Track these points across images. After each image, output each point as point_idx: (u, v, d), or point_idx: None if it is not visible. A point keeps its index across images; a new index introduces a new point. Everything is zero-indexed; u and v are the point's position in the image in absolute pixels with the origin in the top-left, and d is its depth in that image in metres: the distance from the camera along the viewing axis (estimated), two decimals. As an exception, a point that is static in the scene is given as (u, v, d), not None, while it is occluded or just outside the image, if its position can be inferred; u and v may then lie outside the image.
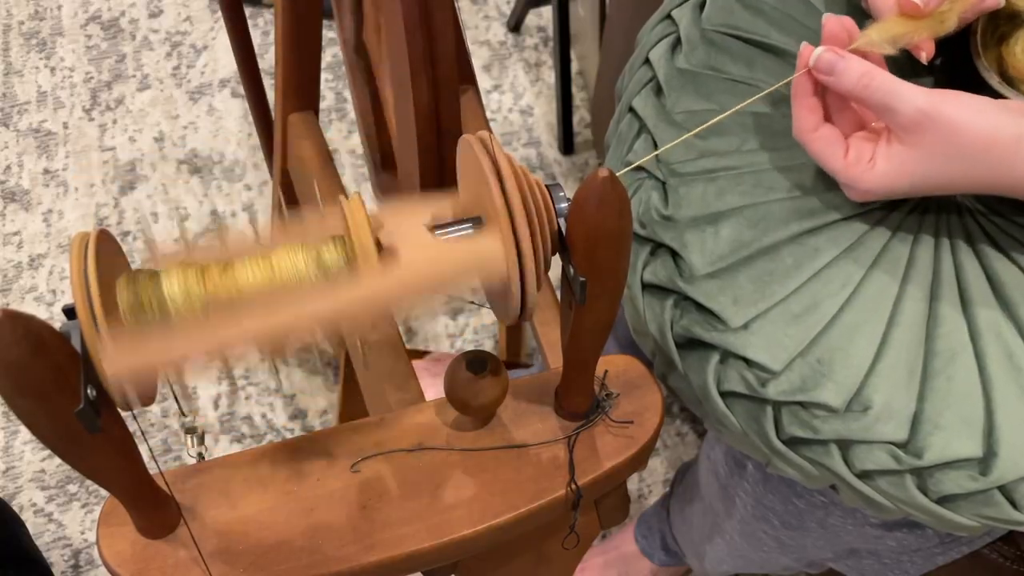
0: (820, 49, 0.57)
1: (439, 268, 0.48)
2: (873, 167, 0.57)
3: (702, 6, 0.72)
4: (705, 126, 0.61)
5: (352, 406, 1.19)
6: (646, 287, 0.65)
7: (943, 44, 0.61)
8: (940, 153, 0.55)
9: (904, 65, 0.69)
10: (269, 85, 1.11)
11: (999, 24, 0.63)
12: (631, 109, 0.71)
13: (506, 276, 0.48)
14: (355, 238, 0.47)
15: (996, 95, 0.60)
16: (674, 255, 0.64)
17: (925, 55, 0.60)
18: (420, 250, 0.48)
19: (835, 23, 0.58)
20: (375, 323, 0.49)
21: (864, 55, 0.59)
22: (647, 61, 0.72)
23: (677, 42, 0.71)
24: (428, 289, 0.48)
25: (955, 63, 0.65)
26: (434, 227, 0.50)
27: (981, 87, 0.61)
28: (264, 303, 0.47)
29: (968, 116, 0.54)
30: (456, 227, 0.50)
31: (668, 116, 0.68)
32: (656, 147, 0.68)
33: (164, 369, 0.46)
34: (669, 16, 0.73)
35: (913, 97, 0.55)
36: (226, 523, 0.56)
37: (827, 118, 0.59)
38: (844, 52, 0.57)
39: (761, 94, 0.62)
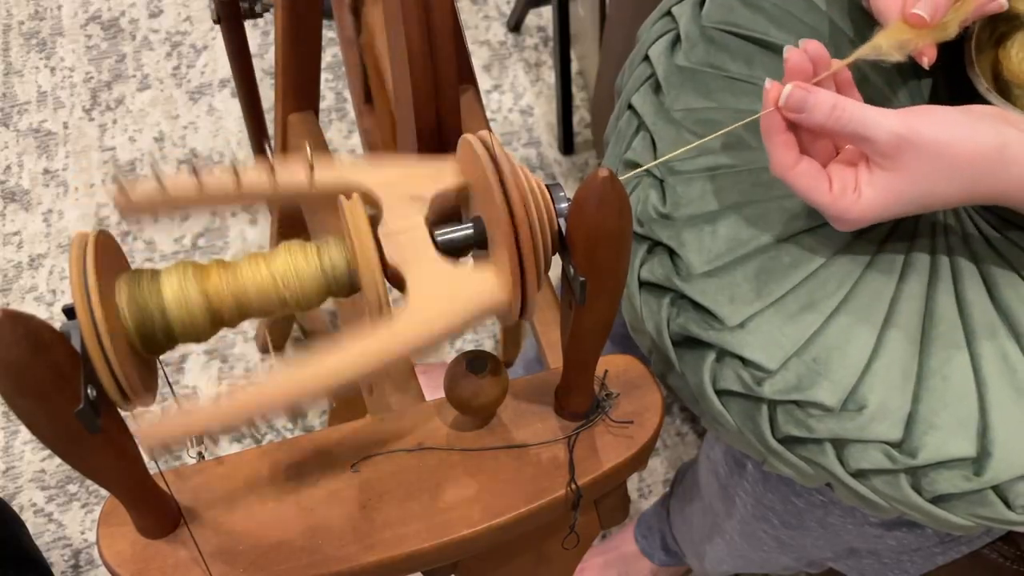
0: (788, 87, 0.56)
1: (449, 320, 0.49)
2: (859, 197, 0.56)
3: (702, 3, 0.72)
4: (713, 136, 0.61)
5: (345, 409, 1.19)
6: (643, 285, 0.65)
7: (942, 47, 0.61)
8: (923, 173, 0.55)
9: (905, 69, 0.69)
10: (269, 85, 1.11)
11: (998, 25, 0.63)
12: (630, 106, 0.71)
13: (511, 309, 0.48)
14: (356, 244, 0.47)
15: (987, 103, 0.60)
16: (671, 253, 0.64)
17: (927, 60, 0.60)
18: (429, 296, 0.48)
19: (797, 56, 0.57)
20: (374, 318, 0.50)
21: (834, 79, 0.58)
22: (646, 58, 0.72)
23: (677, 39, 0.71)
24: (437, 341, 0.49)
25: (954, 65, 0.66)
26: (434, 228, 0.50)
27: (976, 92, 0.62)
28: (263, 304, 0.47)
29: (946, 132, 0.54)
30: (456, 229, 0.50)
31: (667, 113, 0.68)
32: (654, 144, 0.68)
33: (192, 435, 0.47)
34: (669, 13, 0.73)
35: (886, 123, 0.54)
36: (226, 523, 0.56)
37: (802, 150, 0.58)
38: (811, 87, 0.56)
39: (726, 130, 0.61)
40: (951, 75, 0.67)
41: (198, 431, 0.46)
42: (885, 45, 0.58)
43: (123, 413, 0.48)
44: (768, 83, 0.57)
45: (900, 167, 0.55)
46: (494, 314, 0.50)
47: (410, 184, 0.50)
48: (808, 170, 0.57)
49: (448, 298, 0.49)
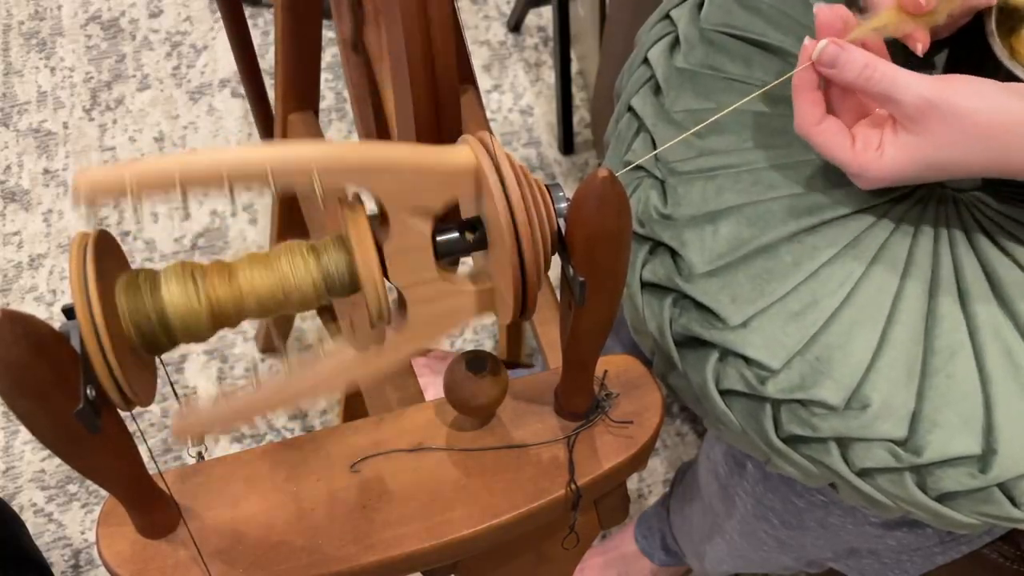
0: (823, 42, 0.57)
1: (447, 325, 0.50)
2: (881, 155, 0.57)
3: (700, 6, 0.72)
4: (703, 125, 0.61)
5: (355, 406, 1.19)
6: (645, 286, 0.65)
7: (951, 35, 0.61)
8: (947, 139, 0.55)
9: (910, 59, 0.69)
10: (269, 85, 1.11)
11: (1006, 18, 0.63)
12: (630, 108, 0.71)
13: (511, 315, 0.49)
14: (356, 246, 0.47)
15: (1009, 76, 0.60)
16: (673, 253, 0.64)
17: (921, 46, 0.60)
18: (429, 306, 0.49)
19: (828, 13, 0.58)
20: (375, 320, 0.50)
21: (864, 44, 0.59)
22: (646, 60, 0.72)
23: (676, 41, 0.71)
24: (434, 342, 0.50)
25: (961, 53, 0.66)
26: (434, 228, 0.50)
27: (992, 73, 0.61)
28: (263, 304, 0.47)
29: (973, 101, 0.54)
30: (455, 228, 0.50)
31: (667, 115, 0.68)
32: (655, 146, 0.68)
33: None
34: (668, 16, 0.73)
35: (916, 85, 0.55)
36: (226, 523, 0.56)
37: (829, 110, 0.59)
38: (845, 43, 0.57)
39: (763, 89, 0.62)
40: (958, 65, 0.67)
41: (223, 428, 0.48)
42: (875, 28, 0.58)
43: (122, 413, 0.48)
44: (806, 40, 0.58)
45: (925, 131, 0.55)
46: (494, 312, 0.50)
47: (419, 194, 0.50)
48: (831, 127, 0.58)
49: (444, 316, 0.50)
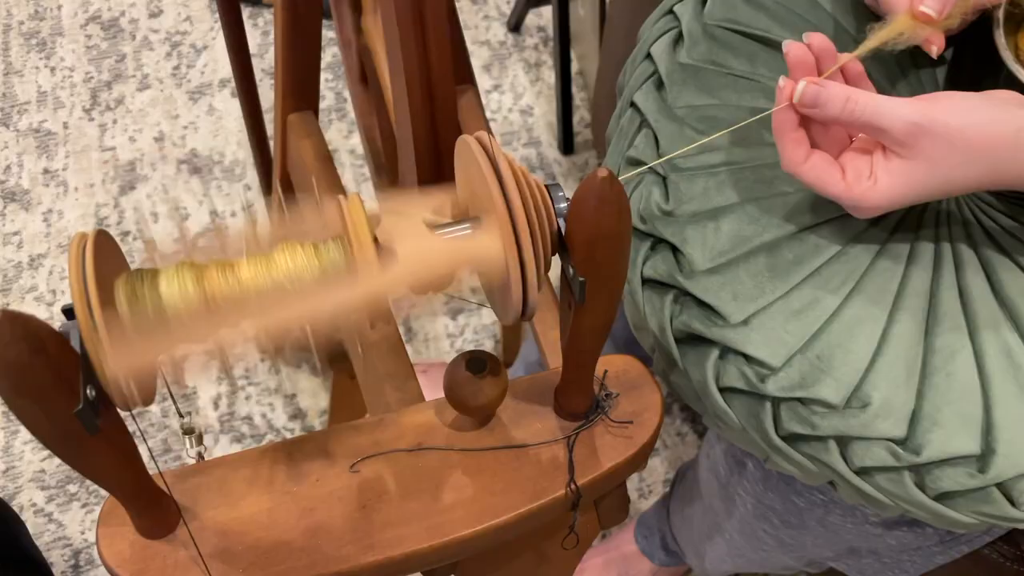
0: (802, 83, 0.56)
1: (437, 262, 0.48)
2: (875, 184, 0.56)
3: (704, 1, 0.72)
4: (714, 136, 0.61)
5: (343, 412, 1.20)
6: (646, 282, 0.65)
7: (953, 36, 0.61)
8: (940, 160, 0.55)
9: (905, 62, 0.69)
10: (269, 85, 1.11)
11: (1013, 15, 0.63)
12: (632, 104, 0.71)
13: (504, 268, 0.48)
14: (353, 237, 0.47)
15: (1010, 78, 0.60)
16: (674, 250, 0.64)
17: (936, 49, 0.60)
18: (418, 246, 0.48)
19: (796, 49, 0.57)
20: (374, 321, 0.49)
21: (845, 71, 0.58)
22: (649, 56, 0.72)
23: (679, 37, 0.71)
24: (426, 284, 0.49)
25: (967, 49, 0.66)
26: (433, 228, 0.50)
27: (994, 74, 0.61)
28: (263, 303, 0.47)
29: (962, 118, 0.54)
30: (455, 228, 0.50)
31: (669, 111, 0.68)
32: (657, 142, 0.68)
33: (164, 367, 0.46)
34: (671, 11, 0.73)
35: (901, 111, 0.54)
36: (226, 523, 0.56)
37: (813, 145, 0.58)
38: (823, 81, 0.56)
39: (733, 128, 0.61)
40: (962, 62, 0.67)
41: (168, 358, 0.46)
42: (891, 37, 0.58)
43: (122, 413, 0.48)
44: (782, 80, 0.57)
45: (916, 155, 0.55)
46: (487, 265, 0.49)
47: (410, 203, 0.50)
48: (819, 163, 0.58)
49: (438, 247, 0.49)
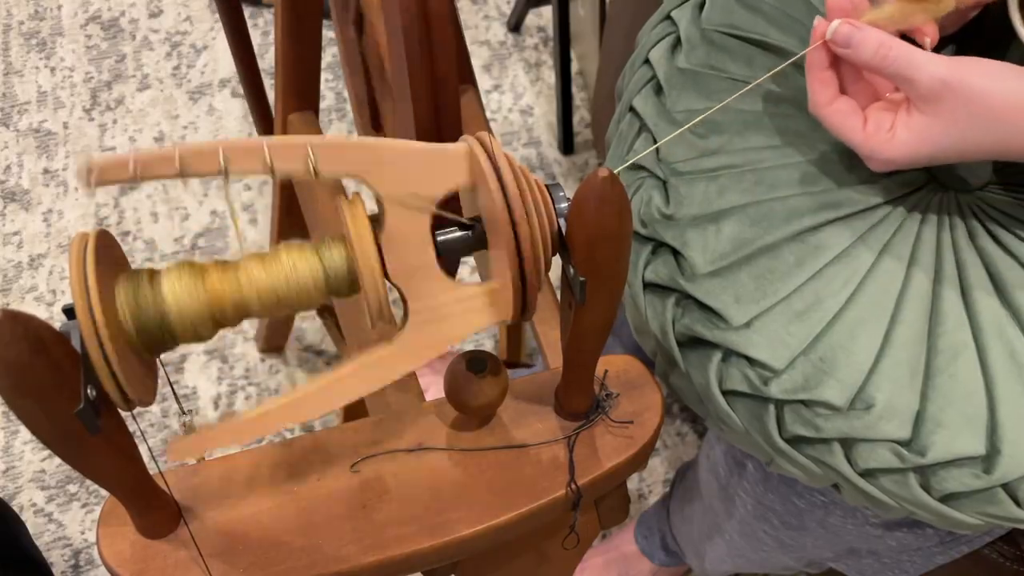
0: (837, 22, 0.56)
1: (449, 335, 0.50)
2: (893, 137, 0.56)
3: (702, 6, 0.72)
4: (699, 119, 0.61)
5: (355, 405, 1.19)
6: (648, 286, 0.65)
7: (954, 35, 0.61)
8: (962, 121, 0.54)
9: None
10: (269, 85, 1.11)
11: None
12: (631, 108, 0.71)
13: (511, 315, 0.49)
14: (355, 238, 0.47)
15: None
16: (676, 254, 0.64)
17: (929, 40, 0.60)
18: (430, 323, 0.50)
19: None
20: (374, 320, 0.50)
21: (876, 26, 0.58)
22: (647, 61, 0.72)
23: (677, 42, 0.71)
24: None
25: (968, 48, 0.65)
26: (434, 229, 0.50)
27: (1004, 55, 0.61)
28: (263, 303, 0.47)
29: (990, 83, 0.54)
30: (455, 227, 0.50)
31: (668, 115, 0.68)
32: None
33: (164, 367, 0.47)
34: (669, 16, 0.73)
35: (932, 66, 0.54)
36: (226, 523, 0.56)
37: (842, 91, 0.59)
38: (860, 24, 0.56)
39: (764, 75, 0.61)
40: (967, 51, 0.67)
41: (217, 445, 0.48)
42: (880, 18, 0.58)
43: (122, 413, 0.48)
44: (817, 20, 0.57)
45: (940, 112, 0.55)
46: (497, 322, 0.50)
47: (416, 183, 0.50)
48: (844, 108, 0.58)
49: (448, 325, 0.50)
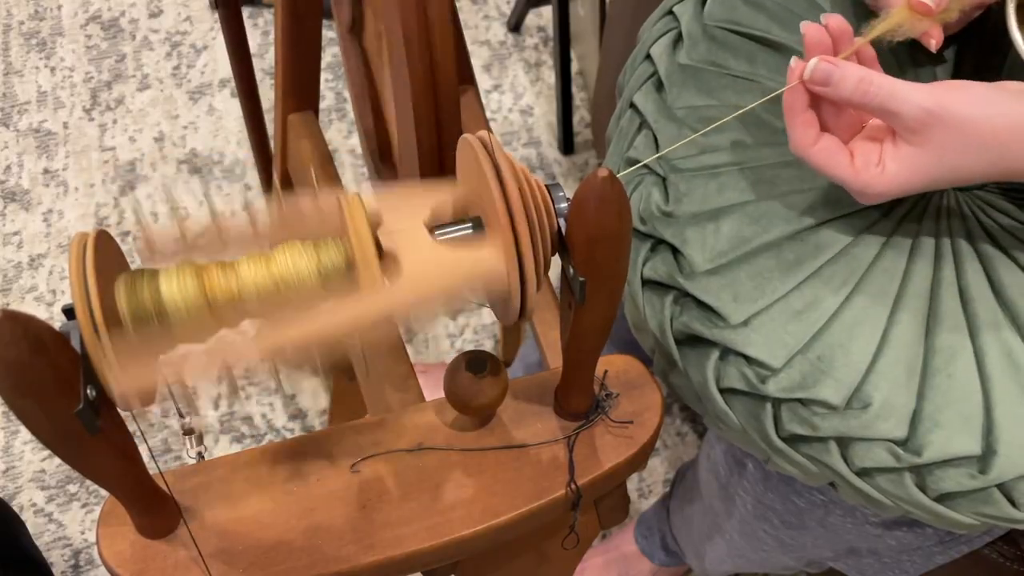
0: (813, 61, 0.55)
1: (442, 282, 0.48)
2: (883, 170, 0.56)
3: (703, 2, 0.72)
4: (710, 128, 0.61)
5: (343, 412, 1.20)
6: (646, 283, 0.65)
7: (955, 35, 0.60)
8: (951, 149, 0.54)
9: (903, 59, 0.69)
10: (269, 85, 1.11)
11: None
12: (632, 105, 0.71)
13: (508, 285, 0.48)
14: (354, 236, 0.47)
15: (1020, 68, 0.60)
16: (674, 251, 0.64)
17: (935, 43, 0.60)
18: (422, 262, 0.48)
19: (815, 31, 0.57)
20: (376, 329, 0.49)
21: (857, 55, 0.58)
22: (648, 57, 0.72)
23: (678, 38, 0.71)
24: (430, 303, 0.49)
25: (970, 47, 0.65)
26: (433, 227, 0.50)
27: (996, 75, 0.61)
28: (263, 303, 0.47)
29: (976, 108, 0.53)
30: (455, 227, 0.50)
31: (669, 112, 0.68)
32: (657, 143, 0.68)
33: (164, 367, 0.46)
34: (671, 12, 0.73)
35: (916, 97, 0.53)
36: (226, 523, 0.56)
37: (824, 128, 0.58)
38: (837, 60, 0.56)
39: (740, 112, 0.61)
40: (965, 57, 0.67)
41: (172, 375, 0.47)
42: (888, 29, 0.58)
43: (122, 413, 0.48)
44: (793, 61, 0.56)
45: (927, 142, 0.54)
46: (491, 283, 0.49)
47: (411, 199, 0.50)
48: (828, 147, 0.57)
49: (442, 263, 0.48)
